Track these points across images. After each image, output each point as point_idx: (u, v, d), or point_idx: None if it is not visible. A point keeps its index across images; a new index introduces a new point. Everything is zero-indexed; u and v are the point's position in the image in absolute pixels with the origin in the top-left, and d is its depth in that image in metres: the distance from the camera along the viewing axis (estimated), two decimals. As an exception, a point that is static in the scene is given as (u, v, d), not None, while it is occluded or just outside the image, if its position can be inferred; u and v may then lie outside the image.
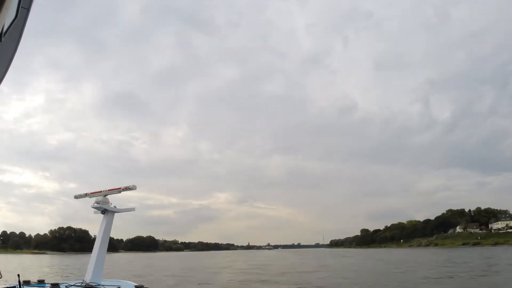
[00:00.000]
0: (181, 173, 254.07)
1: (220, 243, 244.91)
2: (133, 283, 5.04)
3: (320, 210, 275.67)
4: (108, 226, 5.24)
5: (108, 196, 5.32)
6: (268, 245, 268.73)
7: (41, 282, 4.50)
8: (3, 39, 2.39)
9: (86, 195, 5.40)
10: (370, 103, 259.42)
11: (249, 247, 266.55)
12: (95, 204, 5.22)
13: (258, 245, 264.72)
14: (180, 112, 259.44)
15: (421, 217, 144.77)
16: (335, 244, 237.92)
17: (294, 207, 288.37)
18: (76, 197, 5.58)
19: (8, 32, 2.48)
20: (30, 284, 4.38)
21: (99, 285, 4.60)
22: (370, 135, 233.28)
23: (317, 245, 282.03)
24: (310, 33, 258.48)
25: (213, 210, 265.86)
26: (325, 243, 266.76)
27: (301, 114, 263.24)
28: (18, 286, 3.87)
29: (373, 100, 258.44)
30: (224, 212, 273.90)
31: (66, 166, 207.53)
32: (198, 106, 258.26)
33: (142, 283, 5.01)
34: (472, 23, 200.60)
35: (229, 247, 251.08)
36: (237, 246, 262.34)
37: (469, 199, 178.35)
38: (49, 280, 4.79)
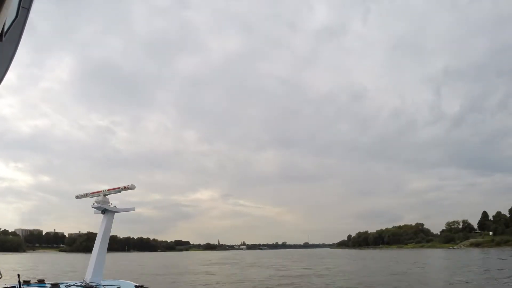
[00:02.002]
0: (166, 166, 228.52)
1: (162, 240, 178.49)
2: (133, 283, 5.06)
3: (309, 209, 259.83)
4: (108, 226, 5.26)
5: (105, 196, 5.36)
6: (243, 244, 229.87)
7: (41, 282, 4.48)
8: (3, 39, 2.37)
9: (86, 195, 5.43)
10: (381, 92, 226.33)
11: (210, 247, 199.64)
12: (95, 204, 5.23)
13: (230, 244, 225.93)
14: (167, 93, 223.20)
15: (410, 219, 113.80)
16: (362, 242, 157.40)
17: (282, 206, 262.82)
18: (77, 197, 5.59)
19: (8, 32, 2.46)
20: (30, 284, 4.37)
21: (99, 285, 4.62)
22: (375, 128, 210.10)
23: (306, 245, 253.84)
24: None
25: (195, 208, 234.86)
26: (313, 243, 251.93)
27: (305, 101, 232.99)
28: (18, 286, 3.87)
29: (385, 88, 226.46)
30: (208, 210, 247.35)
31: (40, 156, 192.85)
32: (189, 86, 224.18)
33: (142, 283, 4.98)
34: (503, 6, 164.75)
35: (175, 246, 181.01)
36: (194, 245, 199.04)
37: (459, 201, 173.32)
38: (49, 280, 4.74)
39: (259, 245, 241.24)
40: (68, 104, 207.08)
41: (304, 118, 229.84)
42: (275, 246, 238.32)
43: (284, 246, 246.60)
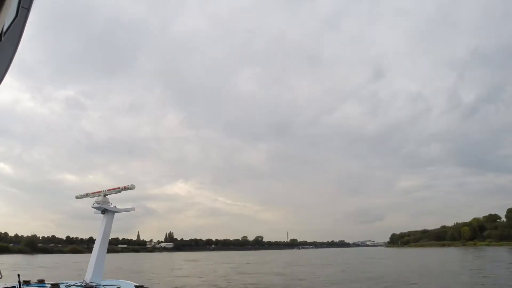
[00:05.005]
0: (142, 154, 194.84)
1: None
2: (133, 283, 5.03)
3: (298, 207, 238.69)
4: (108, 226, 5.24)
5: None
6: (168, 239, 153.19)
7: (41, 282, 4.48)
8: (3, 39, 2.37)
9: (86, 195, 5.41)
10: (401, 72, 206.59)
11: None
12: (95, 204, 5.23)
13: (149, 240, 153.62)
14: (152, 57, 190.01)
15: (396, 219, 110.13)
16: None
17: (265, 203, 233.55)
18: (77, 197, 5.57)
19: (8, 32, 2.45)
20: (30, 284, 4.37)
21: (99, 285, 4.59)
22: (388, 114, 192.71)
23: (294, 243, 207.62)
24: None
25: (169, 204, 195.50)
26: (303, 240, 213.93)
27: (316, 75, 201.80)
28: (18, 285, 3.88)
29: (406, 68, 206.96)
30: (185, 206, 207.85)
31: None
32: (180, 47, 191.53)
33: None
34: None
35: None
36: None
37: (445, 201, 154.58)
38: (49, 280, 4.66)
39: (212, 242, 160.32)
40: (29, 67, 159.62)
41: (310, 98, 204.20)
42: (234, 245, 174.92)
43: (261, 244, 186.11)
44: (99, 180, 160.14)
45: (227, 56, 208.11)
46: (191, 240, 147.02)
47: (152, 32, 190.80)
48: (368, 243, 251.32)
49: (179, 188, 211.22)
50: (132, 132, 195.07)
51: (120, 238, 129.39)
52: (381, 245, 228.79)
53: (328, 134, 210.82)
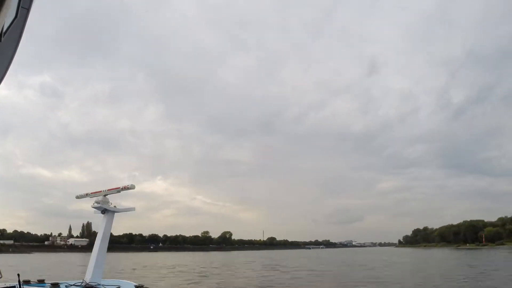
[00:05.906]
0: (120, 148, 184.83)
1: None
2: (133, 282, 5.04)
3: (274, 209, 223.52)
4: (108, 226, 5.26)
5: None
6: (83, 234, 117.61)
7: (41, 281, 4.52)
8: (2, 39, 2.38)
9: (86, 195, 5.43)
10: (393, 70, 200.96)
11: None
12: (95, 204, 5.26)
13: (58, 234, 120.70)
14: (133, 40, 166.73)
15: (375, 220, 79.86)
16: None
17: (246, 203, 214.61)
18: (77, 197, 5.57)
19: (8, 32, 2.47)
20: (30, 283, 4.40)
21: (99, 284, 4.63)
22: (378, 112, 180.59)
23: (273, 243, 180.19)
24: None
25: (146, 202, 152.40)
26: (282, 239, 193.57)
27: (307, 71, 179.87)
28: (18, 285, 3.91)
29: (399, 66, 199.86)
30: (160, 205, 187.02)
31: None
32: (164, 33, 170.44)
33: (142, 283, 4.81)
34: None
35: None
36: None
37: (421, 203, 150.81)
38: (49, 280, 4.69)
39: (159, 239, 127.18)
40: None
41: (300, 93, 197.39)
42: (203, 242, 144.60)
43: (230, 243, 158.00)
44: (74, 176, 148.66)
45: (215, 45, 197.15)
46: (123, 235, 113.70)
47: (137, 14, 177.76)
48: (354, 243, 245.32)
49: (157, 185, 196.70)
50: (110, 124, 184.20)
51: (26, 232, 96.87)
52: (369, 245, 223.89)
53: (315, 131, 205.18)
